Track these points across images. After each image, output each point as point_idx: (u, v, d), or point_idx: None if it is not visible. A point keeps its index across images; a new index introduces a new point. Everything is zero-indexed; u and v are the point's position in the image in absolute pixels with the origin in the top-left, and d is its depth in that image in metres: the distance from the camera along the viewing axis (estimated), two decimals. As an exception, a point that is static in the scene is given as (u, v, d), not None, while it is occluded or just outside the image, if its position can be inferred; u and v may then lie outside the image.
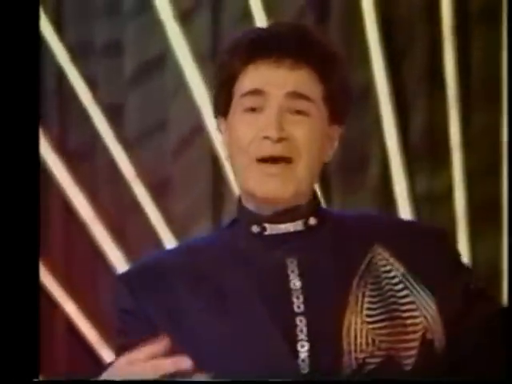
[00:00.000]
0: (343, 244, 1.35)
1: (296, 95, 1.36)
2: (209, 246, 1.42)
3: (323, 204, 1.50)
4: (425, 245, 1.36)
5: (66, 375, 2.43)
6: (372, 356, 1.29)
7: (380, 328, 1.30)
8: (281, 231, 1.37)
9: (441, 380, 1.31)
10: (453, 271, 1.36)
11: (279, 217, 1.37)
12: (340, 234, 1.37)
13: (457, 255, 1.41)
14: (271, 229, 1.38)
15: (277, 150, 1.32)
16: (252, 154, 1.34)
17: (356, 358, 1.29)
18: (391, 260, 1.35)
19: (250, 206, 1.39)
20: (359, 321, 1.31)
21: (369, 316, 1.31)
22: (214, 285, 1.35)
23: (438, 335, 1.32)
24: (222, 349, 1.31)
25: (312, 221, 1.38)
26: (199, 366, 1.22)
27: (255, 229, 1.37)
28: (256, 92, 1.36)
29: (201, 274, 1.36)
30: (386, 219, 1.56)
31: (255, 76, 1.37)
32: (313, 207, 1.40)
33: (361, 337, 1.31)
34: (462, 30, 2.87)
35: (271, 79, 1.37)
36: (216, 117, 1.44)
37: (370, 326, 1.30)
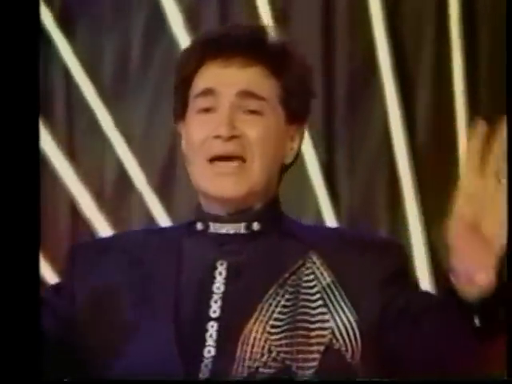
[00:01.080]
0: (280, 253, 1.34)
1: (247, 94, 1.35)
2: (156, 235, 1.42)
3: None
4: (361, 257, 1.34)
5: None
6: (265, 366, 1.28)
7: (280, 339, 1.29)
8: (222, 231, 1.36)
9: (441, 380, 1.31)
10: (384, 286, 1.33)
11: (225, 217, 1.36)
12: (282, 242, 1.36)
13: (400, 270, 1.36)
14: (214, 228, 1.37)
15: (228, 148, 1.32)
16: (204, 154, 1.33)
17: (248, 367, 1.28)
18: (322, 268, 1.33)
19: (204, 204, 1.38)
20: (260, 330, 1.30)
21: (273, 326, 1.29)
22: (144, 272, 1.34)
23: (350, 347, 1.30)
24: (135, 336, 1.31)
25: (255, 226, 1.37)
26: (110, 347, 1.23)
27: (199, 226, 1.37)
28: (207, 92, 1.36)
29: (136, 258, 1.36)
30: (334, 231, 1.59)
31: (206, 76, 1.37)
32: (266, 212, 1.38)
33: (258, 346, 1.29)
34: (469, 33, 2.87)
35: (222, 78, 1.36)
36: (175, 121, 1.43)
37: (272, 337, 1.29)
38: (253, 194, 1.36)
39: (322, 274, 1.30)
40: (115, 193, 3.07)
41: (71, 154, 2.99)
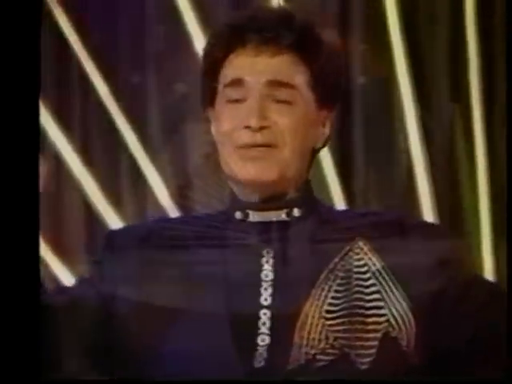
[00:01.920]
0: (325, 238, 1.35)
1: (277, 83, 1.36)
2: (194, 222, 1.42)
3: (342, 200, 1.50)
4: (406, 241, 1.35)
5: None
6: (323, 353, 1.28)
7: (337, 324, 1.30)
8: (264, 219, 1.37)
9: (441, 380, 1.31)
10: (433, 269, 1.34)
11: (264, 204, 1.37)
12: (324, 227, 1.37)
13: (443, 252, 1.38)
14: (254, 216, 1.38)
15: (257, 139, 1.33)
16: (234, 143, 1.34)
17: (306, 353, 1.28)
18: (370, 254, 1.34)
19: (237, 191, 1.39)
20: (317, 315, 1.30)
21: (329, 312, 1.30)
22: (187, 259, 1.35)
23: (405, 334, 1.30)
24: (185, 324, 1.31)
25: (296, 212, 1.38)
26: (158, 335, 1.23)
27: (238, 215, 1.38)
28: (237, 82, 1.36)
29: (178, 246, 1.36)
30: (376, 214, 1.55)
31: (235, 65, 1.38)
32: (301, 198, 1.39)
33: (315, 332, 1.30)
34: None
35: (251, 68, 1.36)
36: (204, 106, 1.44)
37: (328, 322, 1.29)
38: (285, 179, 1.37)
39: (370, 259, 1.31)
40: (128, 187, 3.08)
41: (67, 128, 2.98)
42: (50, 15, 2.93)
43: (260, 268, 1.36)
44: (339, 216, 1.43)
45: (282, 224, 1.35)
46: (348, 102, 3.03)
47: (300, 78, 1.39)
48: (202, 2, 3.02)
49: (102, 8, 3.08)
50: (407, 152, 3.02)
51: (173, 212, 3.04)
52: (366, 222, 1.40)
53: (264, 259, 1.36)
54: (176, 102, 3.20)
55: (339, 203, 3.02)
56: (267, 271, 1.35)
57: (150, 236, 1.42)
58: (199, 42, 2.91)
